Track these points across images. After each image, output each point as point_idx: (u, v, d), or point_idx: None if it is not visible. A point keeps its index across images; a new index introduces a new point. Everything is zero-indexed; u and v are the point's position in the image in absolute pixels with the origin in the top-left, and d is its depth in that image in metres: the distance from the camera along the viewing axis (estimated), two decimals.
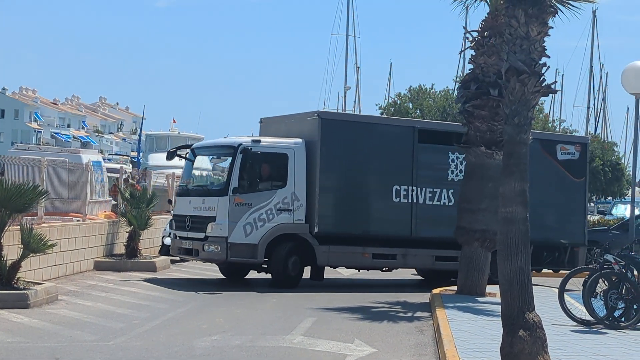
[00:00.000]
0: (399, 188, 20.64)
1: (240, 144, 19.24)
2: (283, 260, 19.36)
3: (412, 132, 21.14)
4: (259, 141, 19.49)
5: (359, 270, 22.44)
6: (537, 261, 21.52)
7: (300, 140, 19.84)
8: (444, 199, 21.06)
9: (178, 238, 20.29)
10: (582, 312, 14.76)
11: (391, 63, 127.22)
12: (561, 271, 22.64)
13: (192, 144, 21.91)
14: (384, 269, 21.36)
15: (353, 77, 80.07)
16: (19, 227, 15.56)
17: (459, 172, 21.09)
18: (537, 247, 21.13)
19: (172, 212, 21.91)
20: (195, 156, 21.32)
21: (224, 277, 21.16)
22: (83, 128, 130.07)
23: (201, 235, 19.30)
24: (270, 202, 19.31)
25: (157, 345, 12.10)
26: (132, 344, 12.13)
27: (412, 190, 20.81)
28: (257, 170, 19.33)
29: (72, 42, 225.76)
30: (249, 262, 19.47)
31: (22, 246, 15.40)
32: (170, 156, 20.87)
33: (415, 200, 20.85)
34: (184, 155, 21.24)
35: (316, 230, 19.62)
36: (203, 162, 24.86)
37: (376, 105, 35.91)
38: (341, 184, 20.31)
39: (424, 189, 20.89)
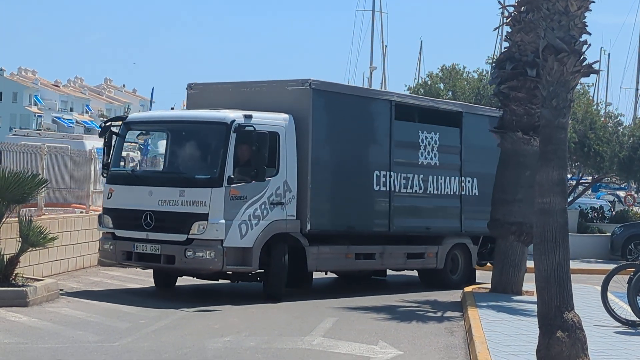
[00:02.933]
0: (379, 174, 18.96)
1: (234, 120, 16.41)
2: (283, 265, 16.98)
3: (389, 107, 19.33)
4: (250, 116, 16.64)
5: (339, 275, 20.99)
6: (483, 255, 21.38)
7: (287, 116, 17.26)
8: (416, 186, 19.72)
9: (123, 240, 16.87)
10: (627, 312, 14.73)
11: (421, 41, 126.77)
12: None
13: (126, 116, 18.84)
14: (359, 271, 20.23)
15: (380, 56, 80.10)
16: (17, 219, 15.68)
17: (427, 155, 19.97)
18: (487, 239, 20.80)
19: (103, 204, 17.81)
20: (135, 133, 18.71)
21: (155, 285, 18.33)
22: (87, 112, 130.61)
23: (180, 237, 16.21)
24: (264, 194, 16.75)
25: (165, 346, 12.19)
26: (138, 344, 12.23)
27: (390, 177, 19.18)
28: (251, 153, 16.43)
29: (75, 20, 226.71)
30: (244, 271, 16.95)
31: (20, 239, 15.52)
32: (103, 132, 17.75)
33: (392, 189, 19.23)
34: (118, 132, 17.85)
35: (308, 227, 17.35)
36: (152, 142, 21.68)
37: (405, 86, 35.75)
38: (334, 172, 18.26)
39: (399, 175, 19.38)
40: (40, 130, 78.94)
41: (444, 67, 32.06)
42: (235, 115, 16.61)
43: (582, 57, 9.96)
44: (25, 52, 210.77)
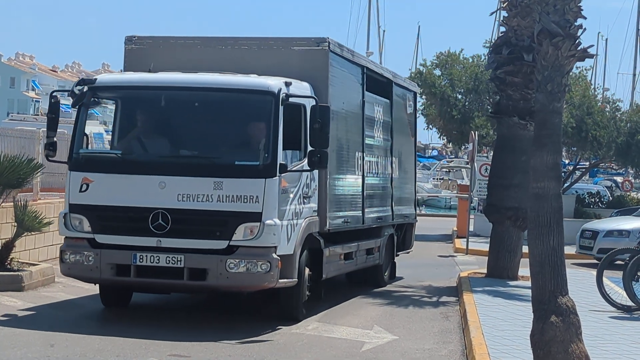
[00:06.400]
0: (356, 156, 15.99)
1: (280, 89, 12.88)
2: (304, 275, 13.48)
3: (362, 77, 16.27)
4: (290, 83, 13.13)
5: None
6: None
7: (307, 85, 13.82)
8: (374, 169, 17.04)
9: (114, 249, 12.68)
10: (622, 297, 14.75)
11: (419, 26, 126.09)
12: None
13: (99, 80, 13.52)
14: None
15: (376, 41, 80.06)
16: (12, 203, 15.68)
17: (378, 132, 17.21)
18: (399, 228, 19.12)
19: (70, 199, 13.07)
20: (128, 102, 13.84)
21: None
22: None
23: (217, 244, 12.47)
24: (299, 185, 13.39)
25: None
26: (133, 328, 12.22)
27: (362, 160, 16.21)
28: (303, 131, 13.34)
29: (72, 4, 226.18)
30: (286, 285, 12.92)
31: (15, 224, 15.51)
32: (77, 101, 13.23)
33: (364, 174, 16.30)
34: (97, 99, 13.94)
35: (327, 225, 14.27)
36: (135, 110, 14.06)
37: (408, 70, 35.59)
38: (338, 155, 14.99)
39: (367, 156, 16.46)
40: (37, 115, 78.82)
41: (440, 54, 31.94)
42: (276, 82, 13.00)
43: (577, 42, 9.90)
44: (22, 37, 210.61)
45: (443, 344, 12.28)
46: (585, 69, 32.84)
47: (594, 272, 15.82)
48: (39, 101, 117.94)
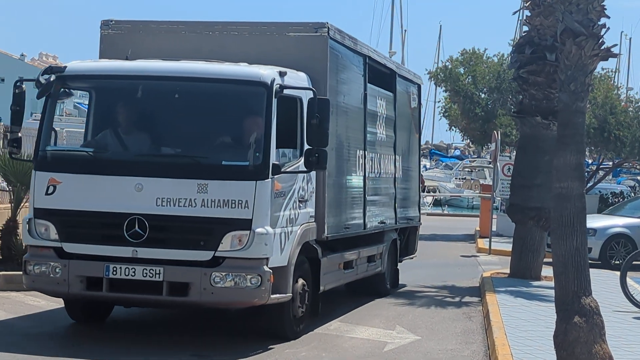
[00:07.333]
0: (358, 154, 14.48)
1: (274, 80, 11.41)
2: (298, 288, 11.98)
3: (364, 67, 14.78)
4: (284, 73, 11.73)
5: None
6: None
7: (304, 75, 12.39)
8: (376, 169, 15.53)
9: (83, 260, 11.21)
10: None
11: (441, 25, 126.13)
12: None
13: (68, 69, 11.96)
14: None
15: (399, 40, 79.97)
16: None
17: (381, 127, 15.74)
18: (402, 232, 17.69)
19: (35, 203, 11.59)
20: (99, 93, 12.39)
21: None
22: None
23: (201, 255, 11.02)
24: (295, 187, 11.90)
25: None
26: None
27: (364, 158, 14.70)
28: (288, 129, 11.81)
29: (95, 3, 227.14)
30: (279, 301, 11.45)
31: None
32: (44, 91, 11.81)
33: (365, 174, 14.78)
34: (67, 90, 12.24)
35: (326, 232, 12.77)
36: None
37: (425, 70, 35.36)
38: (337, 153, 13.47)
39: (368, 156, 14.94)
40: (62, 115, 79.08)
41: (465, 51, 31.89)
42: (269, 72, 11.52)
43: (600, 41, 9.86)
44: (46, 37, 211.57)
45: (466, 344, 12.26)
46: (612, 71, 32.70)
47: (617, 273, 15.73)
48: (63, 101, 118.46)
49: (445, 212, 45.82)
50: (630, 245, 22.31)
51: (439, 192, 50.12)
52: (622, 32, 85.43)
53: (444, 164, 68.75)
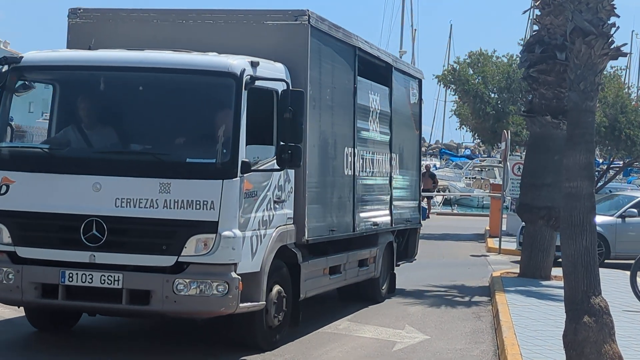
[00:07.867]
0: (346, 152, 13.63)
1: (244, 70, 10.51)
2: (273, 297, 11.16)
3: (353, 59, 13.90)
4: (257, 63, 10.82)
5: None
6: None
7: (282, 66, 11.52)
8: (368, 167, 14.66)
9: (37, 265, 10.38)
10: None
11: (451, 25, 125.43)
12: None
13: (25, 59, 11.21)
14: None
15: (409, 40, 79.97)
16: None
17: (374, 124, 14.88)
18: (401, 234, 16.89)
19: None
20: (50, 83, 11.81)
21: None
22: None
23: (163, 260, 10.17)
24: (268, 188, 11.01)
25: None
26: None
27: (354, 156, 13.87)
28: (261, 124, 10.93)
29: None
30: (250, 310, 10.62)
31: None
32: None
33: (355, 173, 13.94)
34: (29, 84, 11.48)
35: (306, 236, 11.91)
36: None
37: (432, 75, 35.45)
38: (321, 151, 12.60)
39: (360, 152, 14.17)
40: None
41: (472, 53, 31.92)
42: (239, 62, 10.64)
43: (610, 40, 9.84)
44: (57, 37, 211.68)
45: (475, 344, 12.25)
46: (621, 69, 32.64)
47: (627, 273, 15.71)
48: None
49: (455, 211, 45.83)
50: (603, 245, 21.38)
51: (449, 191, 50.13)
52: (632, 31, 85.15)
53: (454, 163, 68.68)
